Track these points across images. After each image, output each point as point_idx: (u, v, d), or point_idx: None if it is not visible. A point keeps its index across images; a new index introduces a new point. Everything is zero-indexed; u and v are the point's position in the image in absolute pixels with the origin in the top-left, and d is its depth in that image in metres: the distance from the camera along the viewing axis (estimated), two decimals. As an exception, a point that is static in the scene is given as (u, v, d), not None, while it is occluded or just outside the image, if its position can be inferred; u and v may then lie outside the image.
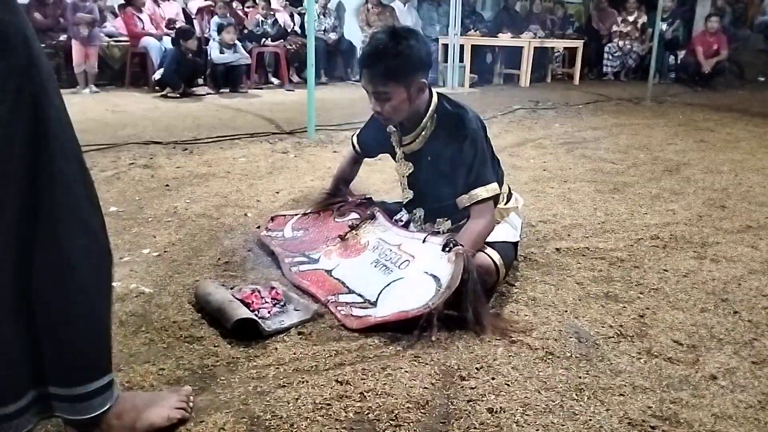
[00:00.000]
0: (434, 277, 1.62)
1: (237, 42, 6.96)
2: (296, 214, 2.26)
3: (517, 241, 2.00)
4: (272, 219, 2.31)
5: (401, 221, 2.02)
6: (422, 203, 1.99)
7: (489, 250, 1.78)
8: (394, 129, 1.96)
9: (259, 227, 2.40)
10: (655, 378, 1.41)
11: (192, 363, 1.44)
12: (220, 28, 6.85)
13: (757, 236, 2.43)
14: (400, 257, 1.79)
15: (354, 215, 2.07)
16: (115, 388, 1.13)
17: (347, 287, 1.79)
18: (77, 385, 1.05)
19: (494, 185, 1.79)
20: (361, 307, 1.67)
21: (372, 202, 2.13)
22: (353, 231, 2.00)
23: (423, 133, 1.87)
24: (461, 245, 1.63)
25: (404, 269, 1.75)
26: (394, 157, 2.04)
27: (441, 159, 1.84)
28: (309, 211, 2.25)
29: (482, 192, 1.77)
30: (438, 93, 1.89)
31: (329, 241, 2.01)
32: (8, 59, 0.91)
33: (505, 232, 1.93)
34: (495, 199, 1.83)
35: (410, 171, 1.97)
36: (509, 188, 2.07)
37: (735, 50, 9.14)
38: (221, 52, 6.83)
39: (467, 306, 1.57)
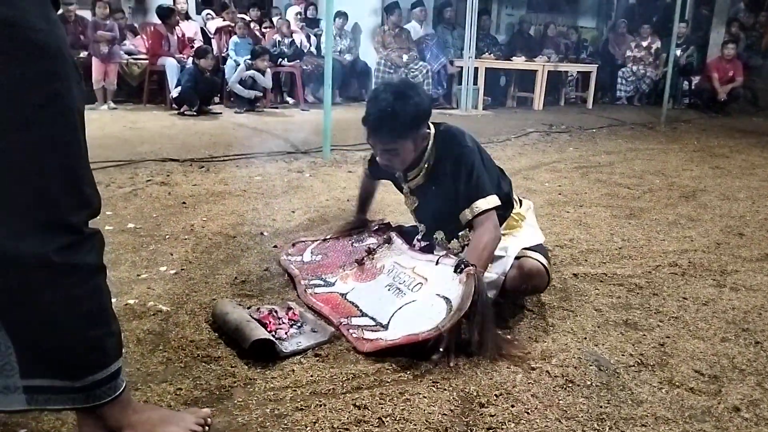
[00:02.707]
0: (446, 299, 1.62)
1: (269, 69, 7.03)
2: (316, 240, 2.28)
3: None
4: (293, 245, 2.32)
5: (421, 242, 2.02)
6: (437, 229, 2.00)
7: (533, 254, 1.82)
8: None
9: (276, 246, 2.41)
10: (677, 409, 1.39)
11: (209, 383, 1.44)
12: (255, 55, 6.89)
13: (777, 265, 2.40)
14: (414, 280, 1.80)
15: (372, 240, 2.08)
16: (107, 388, 1.08)
17: (360, 310, 1.79)
18: (51, 378, 1.03)
19: (494, 197, 1.79)
20: (372, 330, 1.67)
21: (390, 227, 2.14)
22: (370, 255, 2.00)
23: (426, 166, 1.89)
24: (473, 265, 1.62)
25: (417, 292, 1.75)
26: (401, 190, 2.06)
27: (444, 186, 1.86)
28: (329, 237, 2.27)
29: (483, 204, 1.77)
30: (435, 125, 1.91)
31: (347, 266, 2.02)
32: (41, 65, 0.92)
33: (533, 236, 1.94)
34: (501, 211, 1.83)
35: (416, 205, 2.00)
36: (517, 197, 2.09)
37: (750, 77, 9.12)
38: (242, 81, 6.84)
39: (473, 327, 1.56)
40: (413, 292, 1.75)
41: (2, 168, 0.92)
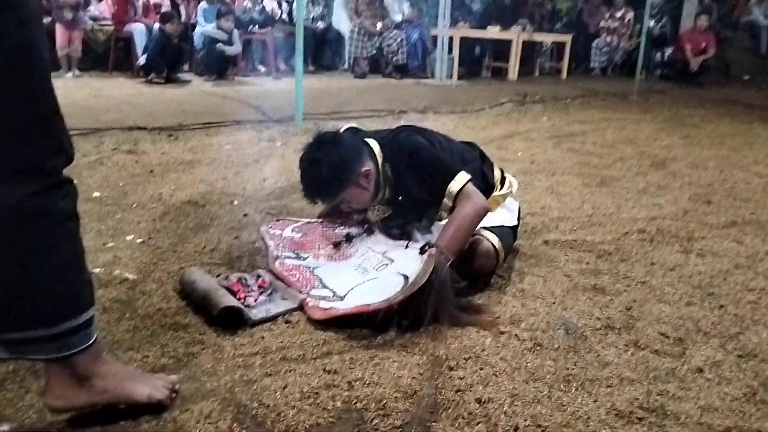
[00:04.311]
0: (405, 276, 1.62)
1: (235, 31, 6.86)
2: (300, 221, 2.26)
3: (516, 225, 2.01)
4: (277, 220, 2.29)
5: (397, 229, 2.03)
6: (412, 225, 2.00)
7: (488, 234, 1.80)
8: None
9: (246, 215, 2.38)
10: (642, 370, 1.42)
11: (177, 351, 1.42)
12: (219, 15, 6.74)
13: (742, 231, 2.45)
14: (381, 261, 1.82)
15: (354, 230, 2.08)
16: (81, 336, 1.07)
17: (322, 283, 1.78)
18: (25, 330, 1.02)
19: (461, 173, 1.77)
20: (328, 300, 1.66)
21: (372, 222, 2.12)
22: (348, 241, 2.01)
23: (386, 183, 1.88)
24: (437, 246, 1.62)
25: (380, 271, 1.76)
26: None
27: (412, 190, 1.85)
28: (313, 221, 2.25)
29: (454, 185, 1.76)
30: (374, 141, 1.89)
31: (322, 247, 2.01)
32: (9, 15, 0.90)
33: (501, 216, 1.94)
34: (478, 183, 1.82)
35: (387, 214, 2.00)
36: (502, 173, 2.08)
37: (722, 48, 9.22)
38: (210, 50, 6.68)
39: (427, 302, 1.53)
40: (377, 271, 1.77)
41: None
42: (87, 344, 1.08)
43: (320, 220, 2.22)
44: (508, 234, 1.92)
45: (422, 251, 1.63)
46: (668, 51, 9.43)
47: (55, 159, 1.00)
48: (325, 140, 1.81)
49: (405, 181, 1.85)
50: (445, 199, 1.78)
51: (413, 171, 1.82)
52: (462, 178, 1.76)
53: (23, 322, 1.02)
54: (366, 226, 2.08)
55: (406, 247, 1.82)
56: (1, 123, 0.93)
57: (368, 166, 1.81)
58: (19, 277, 0.99)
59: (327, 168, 1.73)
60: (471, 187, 1.77)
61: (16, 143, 0.95)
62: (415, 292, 1.51)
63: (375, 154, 1.86)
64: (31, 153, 0.96)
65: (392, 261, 1.79)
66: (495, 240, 1.79)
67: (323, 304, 1.63)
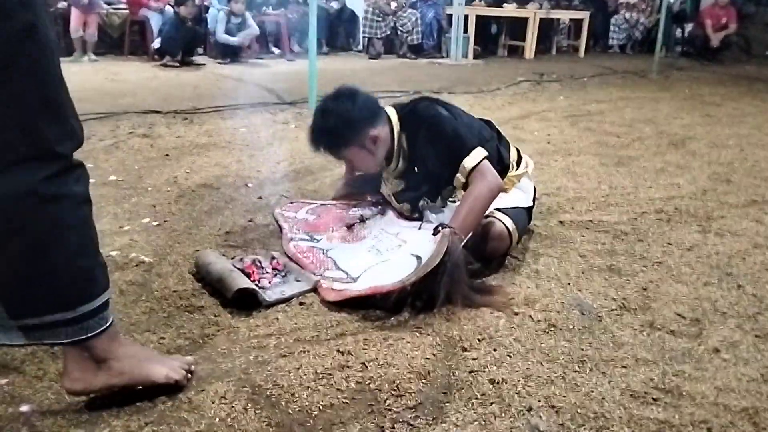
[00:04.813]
0: (418, 257, 1.62)
1: (247, 13, 6.83)
2: (314, 203, 2.26)
3: (531, 206, 1.99)
4: (291, 203, 2.30)
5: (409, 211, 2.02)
6: (424, 201, 1.98)
7: (501, 215, 1.78)
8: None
9: (260, 198, 2.39)
10: (657, 351, 1.41)
11: (193, 332, 1.43)
12: None
13: (762, 210, 2.41)
14: (394, 242, 1.82)
15: (367, 211, 2.07)
16: (99, 319, 1.08)
17: (336, 265, 1.79)
18: (43, 315, 1.03)
19: (478, 150, 1.75)
20: (342, 282, 1.67)
21: (387, 202, 2.11)
22: (362, 223, 2.01)
23: (401, 154, 1.86)
24: (451, 227, 1.60)
25: (393, 252, 1.77)
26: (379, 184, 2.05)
27: (427, 163, 1.83)
28: (327, 202, 2.25)
29: (469, 161, 1.74)
30: (394, 109, 1.87)
31: (335, 229, 2.01)
32: (3, 23, 0.89)
33: (516, 197, 1.92)
34: (494, 162, 1.80)
35: (402, 187, 1.97)
36: (518, 152, 2.06)
37: (743, 24, 9.00)
38: (227, 31, 6.67)
39: (440, 284, 1.52)
40: (389, 252, 1.78)
41: None
42: (104, 327, 1.09)
43: (334, 202, 2.22)
44: (523, 215, 1.91)
45: (435, 232, 1.62)
46: (688, 27, 9.22)
47: (65, 143, 1.00)
48: (342, 93, 1.80)
49: (420, 153, 1.83)
50: (458, 174, 1.76)
51: (430, 142, 1.79)
52: (477, 155, 1.75)
53: (40, 307, 1.03)
54: (379, 207, 2.08)
55: (420, 228, 1.81)
56: (9, 107, 0.93)
57: (379, 131, 1.80)
58: (34, 262, 1.00)
59: (336, 120, 1.73)
60: (486, 164, 1.75)
61: (26, 128, 0.94)
62: (428, 273, 1.50)
63: (392, 123, 1.84)
64: (41, 137, 0.96)
65: (405, 242, 1.79)
66: (509, 222, 1.78)
67: (337, 285, 1.64)
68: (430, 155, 1.81)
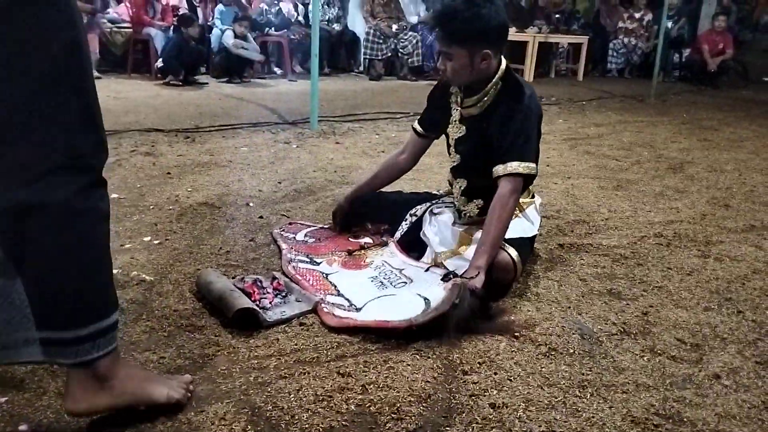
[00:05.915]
0: (425, 299, 1.62)
1: (249, 35, 6.91)
2: (313, 226, 2.27)
3: (534, 236, 2.00)
4: (290, 224, 2.31)
5: (436, 213, 2.02)
6: (466, 173, 1.96)
7: (508, 247, 1.78)
8: (458, 89, 1.92)
9: (261, 217, 2.39)
10: (658, 376, 1.40)
11: (193, 352, 1.43)
12: (235, 19, 6.79)
13: (761, 236, 2.42)
14: (399, 279, 1.82)
15: (368, 240, 2.08)
16: (109, 338, 1.08)
17: (338, 291, 1.78)
18: (62, 330, 1.03)
19: (531, 165, 1.76)
20: (344, 310, 1.66)
21: (389, 235, 2.10)
22: (363, 250, 2.01)
23: (485, 98, 1.84)
24: (462, 278, 1.58)
25: (399, 288, 1.76)
26: (448, 121, 1.99)
27: (493, 128, 1.81)
28: (326, 226, 2.26)
29: (518, 167, 1.74)
30: (507, 65, 1.85)
31: (336, 253, 2.02)
32: (63, 15, 0.95)
33: (522, 227, 1.92)
34: (527, 181, 1.81)
35: (462, 134, 1.93)
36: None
37: (740, 50, 9.10)
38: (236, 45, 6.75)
39: (449, 330, 1.51)
40: (395, 288, 1.77)
41: (30, 111, 0.95)
42: (111, 347, 1.09)
43: (335, 228, 2.22)
44: (526, 246, 1.91)
45: (446, 278, 1.61)
46: (686, 52, 9.32)
47: (99, 156, 1.03)
48: (496, 4, 1.73)
49: (497, 114, 1.80)
50: (500, 166, 1.75)
51: (509, 115, 1.77)
52: (527, 169, 1.75)
53: (58, 321, 1.03)
54: (381, 238, 2.08)
55: (426, 270, 1.82)
56: (56, 118, 0.96)
57: (493, 57, 1.76)
58: (58, 273, 1.01)
59: (475, 18, 1.67)
60: (521, 181, 1.76)
61: (67, 138, 0.97)
62: (437, 316, 1.50)
63: (502, 67, 1.82)
64: (78, 148, 0.99)
65: (411, 281, 1.79)
66: (514, 253, 1.77)
67: (338, 312, 1.63)
68: (497, 126, 1.79)
